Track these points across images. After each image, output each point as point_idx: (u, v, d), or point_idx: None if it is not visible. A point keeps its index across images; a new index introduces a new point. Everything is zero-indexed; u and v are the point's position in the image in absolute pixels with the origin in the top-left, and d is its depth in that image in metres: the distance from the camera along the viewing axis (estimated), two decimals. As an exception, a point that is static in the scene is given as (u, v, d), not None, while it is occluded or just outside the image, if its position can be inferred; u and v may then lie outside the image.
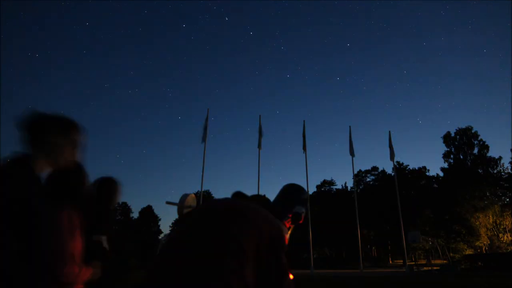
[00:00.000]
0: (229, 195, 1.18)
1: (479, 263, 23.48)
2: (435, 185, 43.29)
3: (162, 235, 55.32)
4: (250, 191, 1.34)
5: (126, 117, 79.66)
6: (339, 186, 52.11)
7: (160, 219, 55.22)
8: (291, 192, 1.47)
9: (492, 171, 38.50)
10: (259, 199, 1.25)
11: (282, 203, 1.42)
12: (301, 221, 1.43)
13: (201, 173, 17.91)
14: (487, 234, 30.33)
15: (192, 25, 79.49)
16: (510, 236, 29.36)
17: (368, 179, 49.57)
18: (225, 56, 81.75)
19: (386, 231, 41.62)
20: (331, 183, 51.96)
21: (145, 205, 55.79)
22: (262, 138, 20.35)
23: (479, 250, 32.06)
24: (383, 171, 48.40)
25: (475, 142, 40.66)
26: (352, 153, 21.79)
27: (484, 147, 40.09)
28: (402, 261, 33.18)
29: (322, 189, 51.52)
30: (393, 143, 21.94)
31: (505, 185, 34.96)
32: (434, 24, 69.18)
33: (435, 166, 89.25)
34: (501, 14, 57.01)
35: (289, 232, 1.44)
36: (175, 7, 79.22)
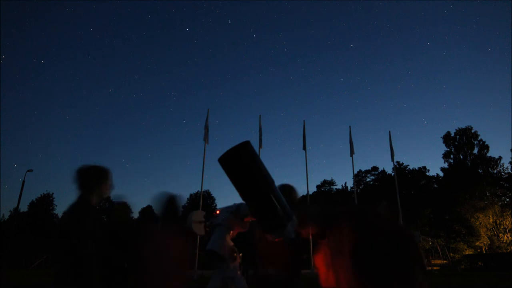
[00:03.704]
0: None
1: (479, 263, 23.50)
2: (435, 185, 43.32)
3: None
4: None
5: (130, 120, 79.67)
6: (339, 186, 52.21)
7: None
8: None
9: (492, 171, 38.54)
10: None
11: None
12: None
13: (201, 173, 17.92)
14: (487, 234, 30.34)
15: (195, 29, 79.41)
16: (510, 236, 29.37)
17: (368, 179, 49.62)
18: (227, 59, 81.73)
19: (386, 231, 41.55)
20: (331, 183, 52.04)
21: (145, 205, 55.81)
22: (262, 138, 20.38)
23: (479, 250, 32.07)
24: (383, 171, 48.44)
25: (475, 142, 40.71)
26: (352, 153, 21.81)
27: (484, 147, 40.14)
28: (402, 261, 33.04)
29: (322, 189, 51.57)
30: (393, 143, 21.98)
31: (505, 185, 34.99)
32: (438, 24, 69.06)
33: (435, 166, 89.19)
34: (505, 14, 56.92)
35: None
36: (178, 11, 79.13)
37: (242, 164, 1.24)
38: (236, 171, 1.26)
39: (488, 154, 39.62)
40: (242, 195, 1.31)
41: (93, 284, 2.12)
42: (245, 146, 1.25)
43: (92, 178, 2.52)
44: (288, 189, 2.74)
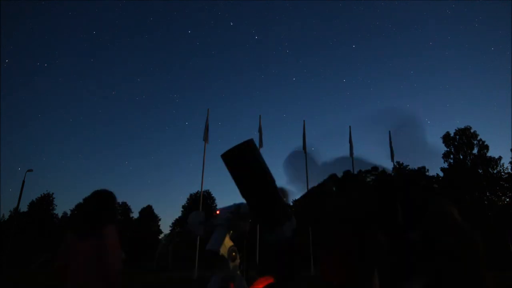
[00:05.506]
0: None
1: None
2: (435, 185, 43.28)
3: (162, 235, 55.33)
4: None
5: (131, 121, 79.57)
6: (339, 186, 52.04)
7: (160, 219, 55.19)
8: None
9: (492, 171, 38.49)
10: None
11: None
12: None
13: (201, 173, 17.90)
14: (487, 234, 30.36)
15: (197, 31, 79.33)
16: (510, 236, 29.37)
17: (368, 179, 49.55)
18: (229, 59, 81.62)
19: (386, 231, 41.62)
20: (331, 183, 51.96)
21: (145, 205, 55.80)
22: (262, 137, 20.35)
23: (479, 250, 32.07)
24: (383, 171, 48.33)
25: (475, 142, 40.66)
26: (352, 153, 21.83)
27: (484, 147, 40.07)
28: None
29: (322, 189, 51.56)
30: (393, 143, 21.96)
31: (505, 185, 34.95)
32: (440, 24, 68.95)
33: (435, 166, 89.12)
34: (506, 14, 56.96)
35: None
36: (180, 13, 79.03)
37: (245, 161, 1.27)
38: (239, 168, 1.29)
39: (488, 154, 39.57)
40: (243, 191, 1.32)
41: None
42: (249, 144, 1.28)
43: None
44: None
